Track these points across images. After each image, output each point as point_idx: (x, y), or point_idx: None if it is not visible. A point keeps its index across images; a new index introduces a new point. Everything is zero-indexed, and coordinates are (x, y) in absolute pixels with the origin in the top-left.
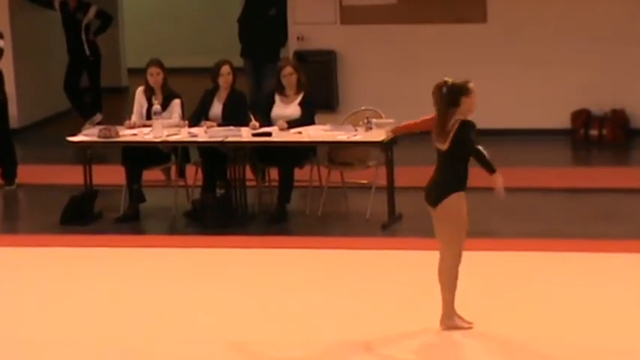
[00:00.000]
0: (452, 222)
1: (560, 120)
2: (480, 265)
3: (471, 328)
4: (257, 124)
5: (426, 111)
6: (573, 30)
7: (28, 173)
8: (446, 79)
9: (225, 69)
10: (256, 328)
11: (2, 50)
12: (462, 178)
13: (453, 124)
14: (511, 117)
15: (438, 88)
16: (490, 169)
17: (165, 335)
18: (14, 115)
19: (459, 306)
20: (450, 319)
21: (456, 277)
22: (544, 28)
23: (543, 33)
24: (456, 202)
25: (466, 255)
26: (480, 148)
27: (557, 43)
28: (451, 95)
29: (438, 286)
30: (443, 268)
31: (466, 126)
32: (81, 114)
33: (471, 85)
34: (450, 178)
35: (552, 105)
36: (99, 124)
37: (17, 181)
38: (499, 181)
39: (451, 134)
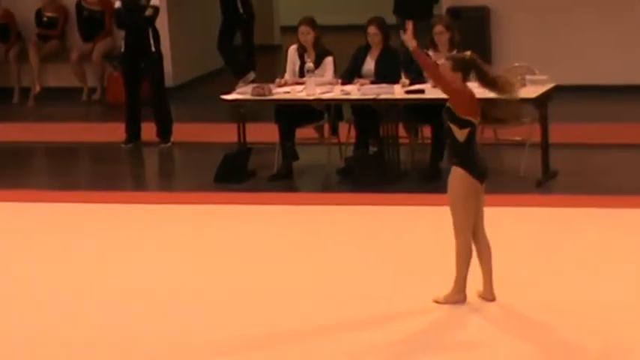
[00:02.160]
0: None
1: None
2: None
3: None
4: (407, 81)
5: (580, 68)
6: None
7: (183, 131)
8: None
9: (372, 29)
10: (403, 287)
11: (158, 9)
12: None
13: None
14: None
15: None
16: None
17: (315, 290)
18: (169, 74)
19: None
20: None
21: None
22: None
23: None
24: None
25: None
26: None
27: None
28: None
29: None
30: None
31: None
32: (234, 72)
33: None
34: None
35: None
36: (252, 82)
37: (172, 139)
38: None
39: None
